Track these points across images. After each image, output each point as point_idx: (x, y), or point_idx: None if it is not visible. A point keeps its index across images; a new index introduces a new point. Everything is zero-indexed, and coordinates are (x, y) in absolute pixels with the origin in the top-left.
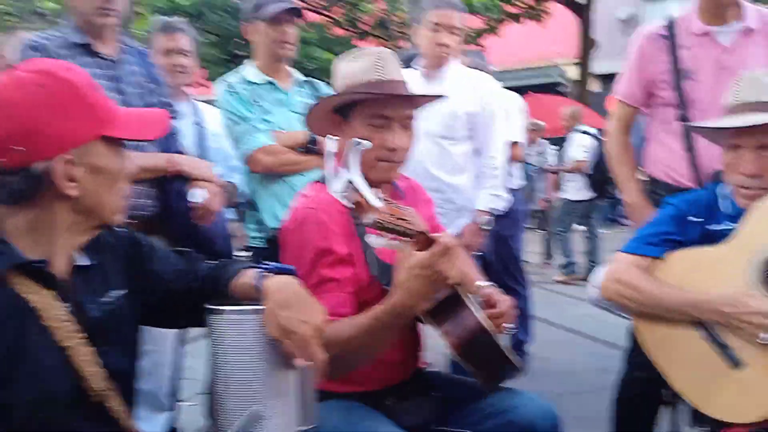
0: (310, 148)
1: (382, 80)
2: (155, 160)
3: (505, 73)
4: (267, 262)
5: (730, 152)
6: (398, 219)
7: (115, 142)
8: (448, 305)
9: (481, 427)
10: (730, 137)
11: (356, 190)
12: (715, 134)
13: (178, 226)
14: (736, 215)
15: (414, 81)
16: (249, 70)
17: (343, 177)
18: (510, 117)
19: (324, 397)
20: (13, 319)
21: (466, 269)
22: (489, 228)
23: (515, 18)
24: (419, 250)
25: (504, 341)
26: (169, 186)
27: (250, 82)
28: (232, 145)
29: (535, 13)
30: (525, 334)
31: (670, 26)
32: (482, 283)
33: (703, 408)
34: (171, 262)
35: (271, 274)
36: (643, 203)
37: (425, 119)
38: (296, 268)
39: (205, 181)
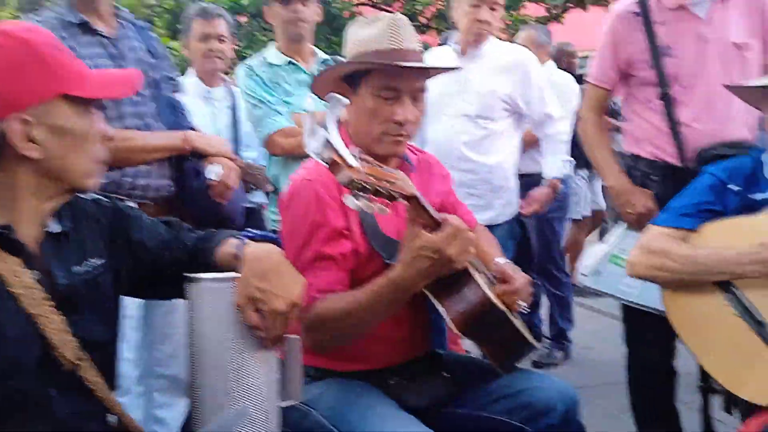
0: None
1: (393, 49)
2: (169, 139)
3: None
4: (251, 230)
5: None
6: (380, 180)
7: (81, 103)
8: (452, 279)
9: (494, 408)
10: None
11: (333, 149)
12: (755, 97)
13: (197, 205)
14: None
15: (448, 59)
16: (270, 52)
17: (320, 136)
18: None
19: (323, 375)
20: None
21: (485, 246)
22: (559, 194)
23: (581, 5)
24: (428, 229)
25: (520, 319)
26: (184, 165)
27: (271, 64)
28: (253, 129)
29: None
30: (566, 322)
31: (643, 3)
32: (500, 260)
33: (736, 390)
34: (156, 231)
35: (253, 241)
36: (628, 185)
37: (462, 99)
38: (292, 242)
39: (221, 157)
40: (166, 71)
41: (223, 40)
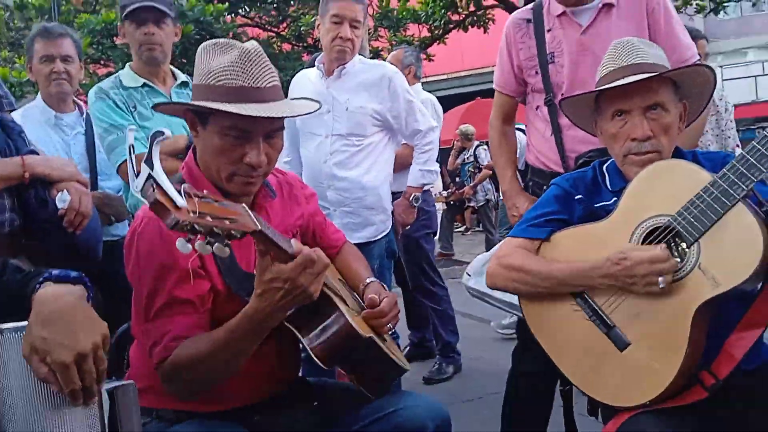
0: None
1: (244, 86)
2: (5, 167)
3: (453, 80)
4: (52, 270)
5: (615, 121)
6: (216, 219)
7: None
8: (313, 309)
9: None
10: (613, 104)
11: (157, 187)
12: (582, 112)
13: (47, 238)
14: (621, 190)
15: (314, 80)
16: (125, 74)
17: (144, 173)
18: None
19: (183, 418)
20: None
21: (353, 266)
22: (417, 204)
23: (462, 26)
24: (281, 261)
25: (390, 340)
26: (26, 194)
27: (125, 87)
28: (106, 156)
29: (478, 20)
30: (451, 334)
31: (536, 9)
32: (369, 280)
33: (591, 393)
34: None
35: (49, 282)
36: (516, 190)
37: (332, 118)
38: (141, 287)
39: (67, 181)
40: None
41: (68, 61)
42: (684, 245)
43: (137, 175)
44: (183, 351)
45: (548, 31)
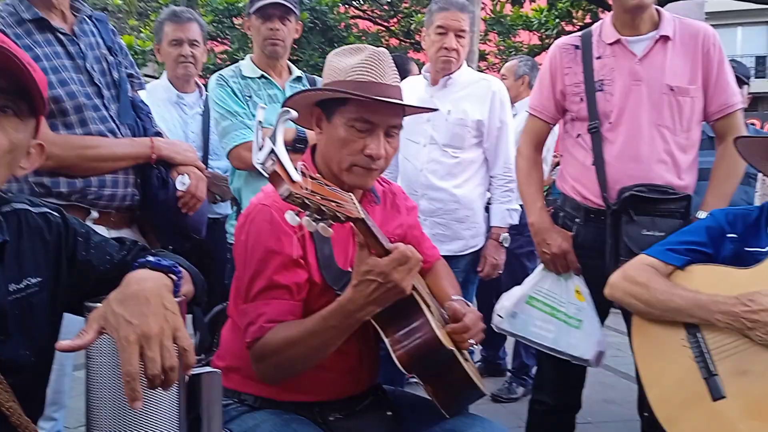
0: (298, 147)
1: (373, 82)
2: (136, 147)
3: None
4: (149, 258)
5: None
6: (325, 200)
7: None
8: (401, 312)
9: None
10: None
11: (277, 160)
12: (755, 151)
13: (161, 216)
14: None
15: (419, 88)
16: (245, 64)
17: (267, 146)
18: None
19: (261, 405)
20: None
21: (443, 283)
22: (507, 245)
23: None
24: (378, 255)
25: (470, 361)
26: (150, 173)
27: (244, 76)
28: (219, 140)
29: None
30: (530, 357)
31: (585, 37)
32: (456, 297)
33: (669, 428)
34: (105, 251)
35: (143, 268)
36: (547, 225)
37: (432, 128)
38: (245, 269)
39: (189, 165)
40: (127, 68)
41: (195, 45)
42: None
43: (260, 148)
44: (275, 334)
45: (597, 58)
